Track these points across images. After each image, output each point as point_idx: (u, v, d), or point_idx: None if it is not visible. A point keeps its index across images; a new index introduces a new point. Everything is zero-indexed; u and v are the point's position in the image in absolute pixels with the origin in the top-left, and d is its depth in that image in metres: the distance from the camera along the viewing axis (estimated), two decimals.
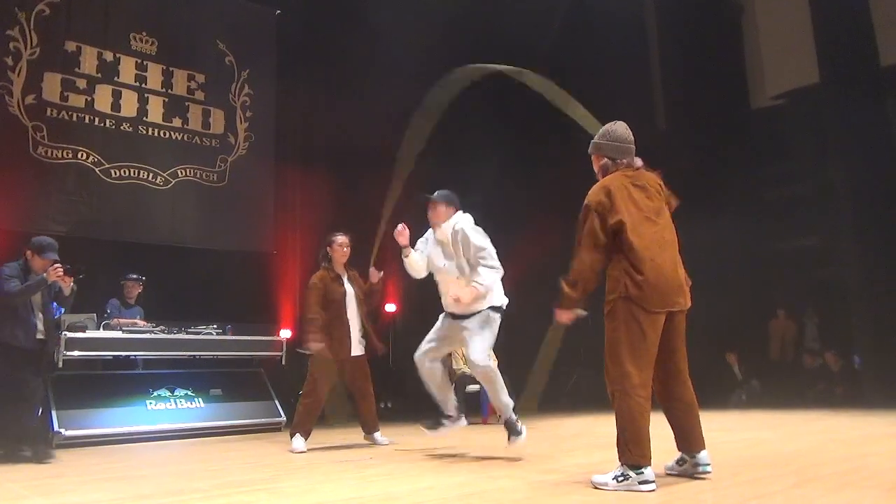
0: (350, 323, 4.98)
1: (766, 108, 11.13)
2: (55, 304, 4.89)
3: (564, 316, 3.14)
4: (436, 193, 4.31)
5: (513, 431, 4.14)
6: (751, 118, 11.27)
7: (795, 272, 10.15)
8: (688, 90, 10.86)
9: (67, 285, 4.61)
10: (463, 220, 4.22)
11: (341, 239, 5.09)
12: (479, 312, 4.09)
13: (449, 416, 4.37)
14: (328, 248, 5.08)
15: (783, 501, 2.59)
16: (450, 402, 4.36)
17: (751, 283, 10.26)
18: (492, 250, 4.13)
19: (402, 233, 4.25)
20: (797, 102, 10.53)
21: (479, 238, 4.13)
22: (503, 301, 4.20)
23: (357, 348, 5.00)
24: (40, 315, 4.65)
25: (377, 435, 5.12)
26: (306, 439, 4.84)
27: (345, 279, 5.08)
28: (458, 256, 4.14)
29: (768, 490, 2.80)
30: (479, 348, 4.05)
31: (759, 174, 10.88)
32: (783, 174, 10.70)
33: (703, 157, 10.13)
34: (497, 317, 4.15)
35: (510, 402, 4.18)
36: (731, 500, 2.63)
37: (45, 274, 4.49)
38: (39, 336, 4.65)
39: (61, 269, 4.49)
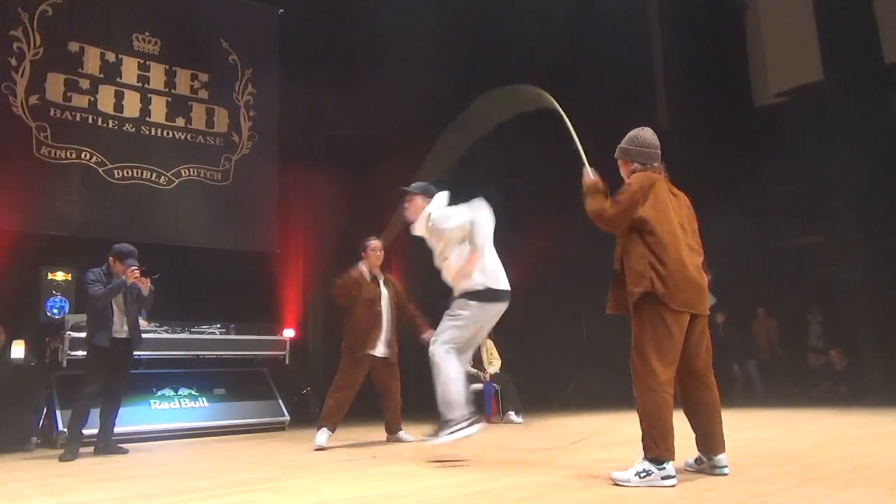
0: (382, 323, 5.04)
1: (770, 105, 11.11)
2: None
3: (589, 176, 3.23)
4: (413, 185, 4.12)
5: (439, 431, 3.72)
6: (754, 116, 11.24)
7: (799, 270, 10.12)
8: (690, 88, 10.83)
9: (145, 286, 4.98)
10: (433, 205, 4.00)
11: (374, 243, 5.18)
12: (460, 294, 3.86)
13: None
14: (362, 254, 5.17)
15: (786, 500, 2.58)
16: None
17: (753, 281, 10.24)
18: (458, 220, 3.82)
19: None
20: (800, 100, 10.51)
21: (450, 220, 3.84)
22: (484, 284, 3.80)
23: (384, 350, 5.04)
24: (123, 316, 5.03)
25: (402, 434, 5.19)
26: (332, 433, 4.88)
27: (381, 281, 5.16)
28: (440, 243, 3.92)
29: (771, 488, 2.80)
30: (442, 333, 3.85)
31: (762, 172, 10.85)
32: (787, 172, 10.67)
33: (706, 156, 10.10)
34: (473, 304, 3.79)
35: (453, 404, 3.69)
36: (734, 498, 2.63)
37: (123, 277, 4.85)
38: (124, 335, 5.02)
39: (138, 271, 4.84)
